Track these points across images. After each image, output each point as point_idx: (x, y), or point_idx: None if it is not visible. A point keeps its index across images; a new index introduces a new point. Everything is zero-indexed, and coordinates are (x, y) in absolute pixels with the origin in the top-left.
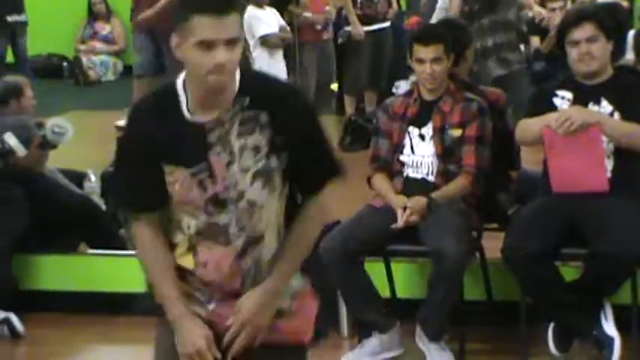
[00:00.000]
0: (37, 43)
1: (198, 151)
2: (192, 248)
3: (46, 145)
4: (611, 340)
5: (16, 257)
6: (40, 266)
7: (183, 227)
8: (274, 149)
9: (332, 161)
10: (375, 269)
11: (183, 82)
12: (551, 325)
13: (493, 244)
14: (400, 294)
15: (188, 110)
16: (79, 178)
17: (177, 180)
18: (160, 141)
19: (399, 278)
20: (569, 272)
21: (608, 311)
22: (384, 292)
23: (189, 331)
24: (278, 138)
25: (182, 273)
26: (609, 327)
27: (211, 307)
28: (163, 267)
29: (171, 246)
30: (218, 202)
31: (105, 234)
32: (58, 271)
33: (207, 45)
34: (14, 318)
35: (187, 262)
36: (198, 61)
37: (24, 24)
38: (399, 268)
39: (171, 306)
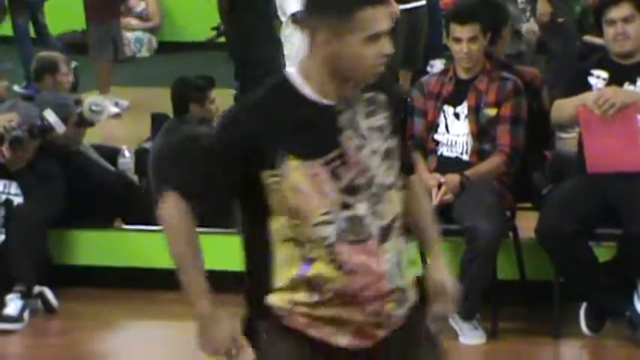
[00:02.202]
0: (73, 20)
1: (330, 136)
2: (331, 261)
3: (84, 122)
4: None
5: (51, 232)
6: (75, 241)
7: (316, 241)
8: (394, 129)
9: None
10: (408, 248)
11: (303, 72)
12: (584, 305)
13: (527, 223)
14: None
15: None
16: (113, 154)
17: (305, 176)
18: (274, 139)
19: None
20: (603, 252)
21: None
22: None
23: (217, 329)
24: (395, 118)
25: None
26: None
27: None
28: (194, 256)
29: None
30: (353, 191)
31: (139, 210)
32: (93, 247)
33: (375, 37)
34: (48, 292)
35: (328, 278)
36: (364, 54)
37: (42, 1)
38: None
39: (197, 300)
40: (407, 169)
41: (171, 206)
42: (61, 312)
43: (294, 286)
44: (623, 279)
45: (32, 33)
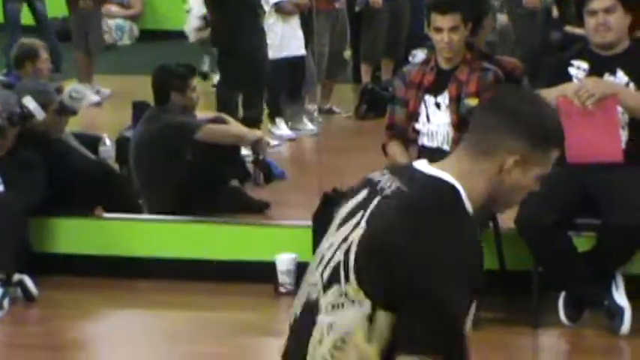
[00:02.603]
0: (53, 7)
1: None
2: None
3: (65, 110)
4: (621, 310)
5: (31, 220)
6: (55, 230)
7: None
8: None
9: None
10: None
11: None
12: (563, 295)
13: (506, 214)
14: None
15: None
16: (94, 142)
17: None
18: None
19: None
20: (582, 242)
21: (620, 281)
22: None
23: None
24: None
25: None
26: (620, 297)
27: None
28: None
29: None
30: None
31: (120, 198)
32: (73, 235)
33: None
34: (28, 280)
35: None
36: (525, 184)
37: None
38: None
39: None
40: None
41: None
42: (41, 300)
43: None
44: (602, 269)
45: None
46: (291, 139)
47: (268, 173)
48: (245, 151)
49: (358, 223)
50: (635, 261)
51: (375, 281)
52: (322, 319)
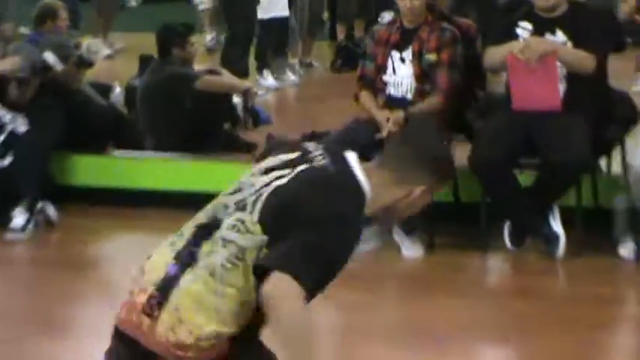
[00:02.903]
0: None
1: None
2: None
3: (83, 63)
4: (557, 236)
5: (53, 156)
6: (73, 164)
7: None
8: None
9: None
10: None
11: None
12: (508, 224)
13: (461, 153)
14: None
15: None
16: (106, 89)
17: None
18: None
19: None
20: (525, 179)
21: (556, 212)
22: None
23: None
24: None
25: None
26: (556, 225)
27: None
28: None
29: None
30: None
31: (128, 138)
32: (89, 169)
33: None
34: (50, 208)
35: None
36: (420, 205)
37: None
38: None
39: None
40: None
41: (300, 308)
42: (61, 225)
43: None
44: (541, 202)
45: None
46: (275, 89)
47: (256, 118)
48: (236, 99)
49: (282, 176)
50: (569, 194)
51: (274, 222)
52: (220, 234)
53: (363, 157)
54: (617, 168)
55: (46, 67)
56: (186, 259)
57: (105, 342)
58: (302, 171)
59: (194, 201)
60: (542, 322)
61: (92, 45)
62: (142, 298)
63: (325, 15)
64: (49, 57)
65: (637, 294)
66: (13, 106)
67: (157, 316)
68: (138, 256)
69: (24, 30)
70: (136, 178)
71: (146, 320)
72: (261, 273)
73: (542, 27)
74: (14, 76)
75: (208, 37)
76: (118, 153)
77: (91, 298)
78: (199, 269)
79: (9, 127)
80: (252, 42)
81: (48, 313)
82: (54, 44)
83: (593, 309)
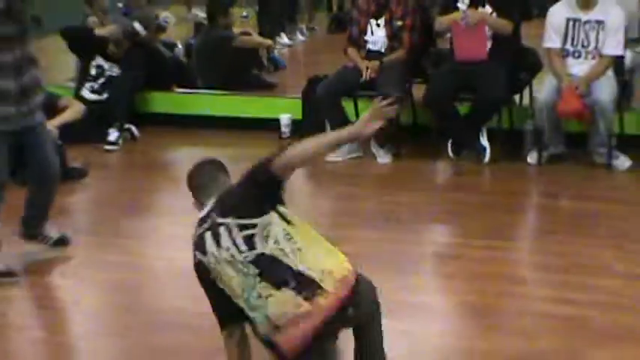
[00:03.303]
0: None
1: None
2: None
3: (159, 29)
4: (484, 148)
5: (137, 92)
6: (150, 98)
7: None
8: None
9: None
10: (348, 106)
11: None
12: (450, 140)
13: (418, 92)
14: None
15: None
16: (172, 46)
17: None
18: None
19: (362, 111)
20: (463, 109)
21: (484, 132)
22: (354, 119)
23: None
24: None
25: None
26: (484, 141)
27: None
28: None
29: None
30: None
31: (187, 80)
32: (160, 101)
33: None
34: (134, 128)
35: None
36: None
37: None
38: (363, 105)
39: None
40: None
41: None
42: (141, 140)
43: None
44: (474, 124)
45: None
46: (289, 46)
47: (275, 65)
48: (262, 52)
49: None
50: (493, 119)
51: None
52: (268, 248)
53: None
54: (526, 101)
55: (134, 33)
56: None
57: (176, 219)
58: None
59: (231, 123)
60: (473, 207)
61: (166, 16)
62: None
63: None
64: (137, 25)
65: (537, 189)
66: (110, 59)
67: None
68: (194, 160)
69: (119, 4)
70: (191, 107)
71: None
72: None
73: (476, 2)
74: (112, 39)
75: (244, 11)
76: (179, 90)
77: (165, 189)
78: None
79: (107, 73)
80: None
81: (135, 199)
82: (140, 16)
83: (508, 198)
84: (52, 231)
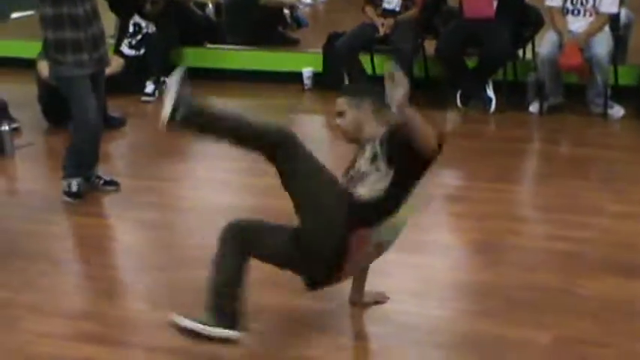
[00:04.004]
0: None
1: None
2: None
3: None
4: (490, 99)
5: (172, 47)
6: (184, 53)
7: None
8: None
9: None
10: (365, 59)
11: None
12: (459, 91)
13: (430, 47)
14: (378, 72)
15: None
16: (203, 5)
17: None
18: None
19: (378, 64)
20: (471, 62)
21: (490, 83)
22: (370, 72)
23: None
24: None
25: None
26: (490, 92)
27: None
28: None
29: None
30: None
31: (218, 37)
32: (193, 56)
33: None
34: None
35: None
36: None
37: None
38: (378, 59)
39: None
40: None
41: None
42: None
43: None
44: (481, 76)
45: None
46: (311, 5)
47: (299, 23)
48: (286, 10)
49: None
50: (498, 72)
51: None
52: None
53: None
54: (529, 55)
55: None
56: None
57: (208, 164)
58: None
59: (258, 76)
60: (480, 153)
61: None
62: None
63: None
64: None
65: (539, 136)
66: (147, 17)
67: None
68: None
69: None
70: (221, 61)
71: None
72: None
73: None
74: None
75: None
76: (210, 46)
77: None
78: None
79: (144, 31)
80: None
81: (170, 146)
82: None
83: (511, 145)
84: (103, 174)
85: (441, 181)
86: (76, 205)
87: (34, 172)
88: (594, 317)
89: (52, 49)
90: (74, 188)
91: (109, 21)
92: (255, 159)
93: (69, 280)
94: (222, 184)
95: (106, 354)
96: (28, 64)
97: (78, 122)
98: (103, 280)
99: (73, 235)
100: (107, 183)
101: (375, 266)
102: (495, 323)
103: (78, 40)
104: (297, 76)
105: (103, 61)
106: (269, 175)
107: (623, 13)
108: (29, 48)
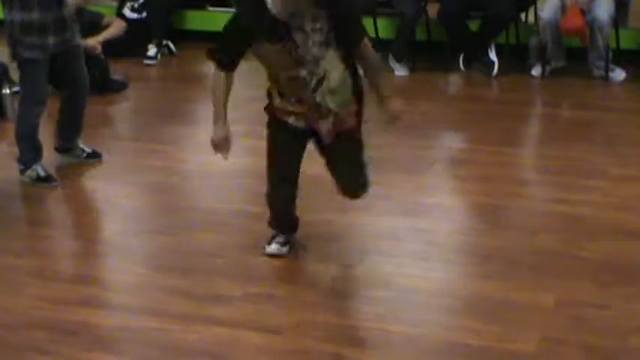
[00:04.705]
0: None
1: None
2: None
3: None
4: (493, 62)
5: (173, 11)
6: (185, 16)
7: (279, 79)
8: (331, 28)
9: (363, 29)
10: (368, 23)
11: None
12: (462, 55)
13: (433, 9)
14: (382, 36)
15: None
16: None
17: (274, 51)
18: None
19: (381, 28)
20: (474, 26)
21: (492, 47)
22: (373, 36)
23: (215, 131)
24: (333, 21)
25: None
26: (492, 55)
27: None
28: (223, 97)
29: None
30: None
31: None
32: (195, 19)
33: None
34: (170, 44)
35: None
36: None
37: None
38: (381, 23)
39: (217, 118)
40: (353, 42)
41: (215, 72)
42: (178, 55)
43: (275, 97)
44: (483, 40)
45: None
46: None
47: None
48: None
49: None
50: (501, 36)
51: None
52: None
53: None
54: (531, 19)
55: None
56: None
57: (210, 127)
58: None
59: None
60: (482, 116)
61: None
62: None
63: None
64: None
65: (541, 99)
66: None
67: None
68: None
69: None
70: (223, 24)
71: None
72: None
73: None
74: None
75: None
76: (212, 9)
77: (199, 100)
78: None
79: None
80: None
81: (172, 109)
82: None
83: (513, 108)
84: (85, 145)
85: (444, 144)
86: (78, 169)
87: None
88: (594, 279)
89: (17, 30)
90: (42, 173)
91: None
92: (258, 121)
93: (71, 245)
94: None
95: (108, 318)
96: None
97: (27, 106)
98: (105, 244)
99: (76, 199)
100: (90, 155)
101: (380, 229)
102: (498, 286)
103: (44, 22)
104: None
105: (68, 44)
106: None
107: None
108: None
